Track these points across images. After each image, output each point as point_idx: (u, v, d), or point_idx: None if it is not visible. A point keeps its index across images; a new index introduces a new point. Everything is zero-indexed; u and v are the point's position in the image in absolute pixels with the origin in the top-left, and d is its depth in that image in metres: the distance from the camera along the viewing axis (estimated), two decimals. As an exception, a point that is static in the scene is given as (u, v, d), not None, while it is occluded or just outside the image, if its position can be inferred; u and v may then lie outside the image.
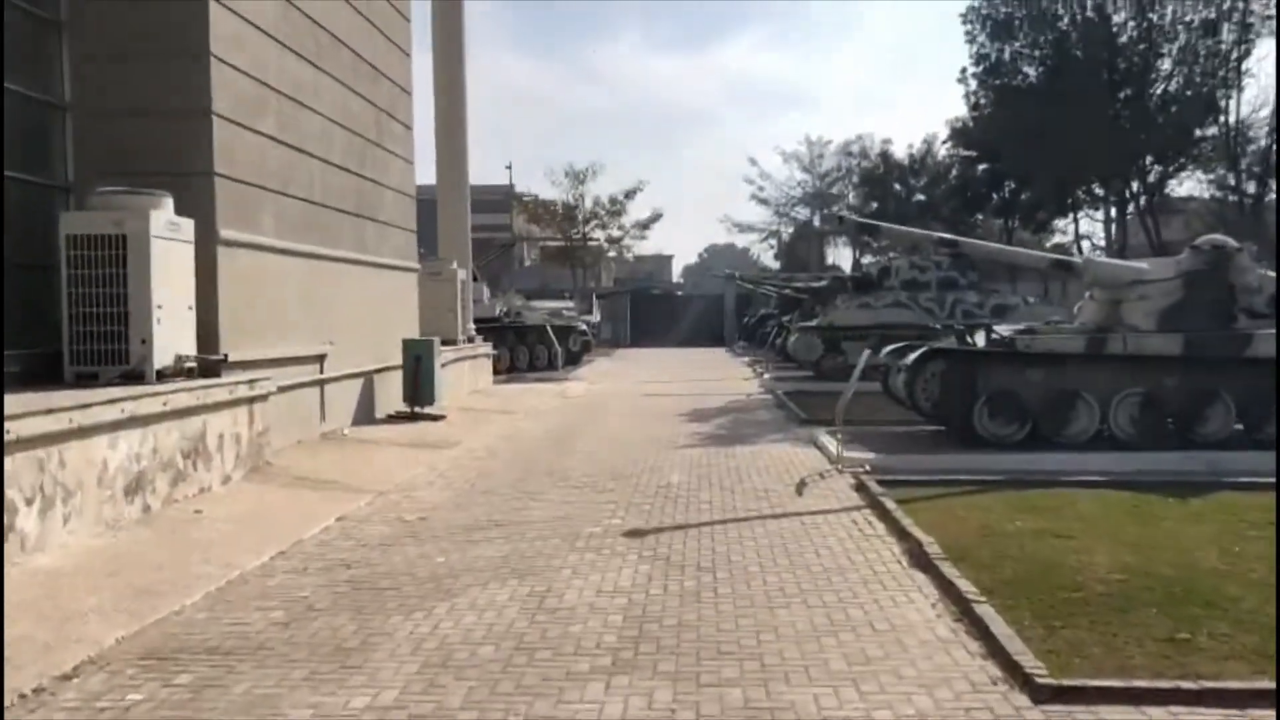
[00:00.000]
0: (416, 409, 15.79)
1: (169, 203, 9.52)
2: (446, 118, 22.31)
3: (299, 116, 12.82)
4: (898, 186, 53.60)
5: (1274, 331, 11.39)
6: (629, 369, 31.81)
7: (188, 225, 9.74)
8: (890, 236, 13.57)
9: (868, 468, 11.09)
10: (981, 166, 37.80)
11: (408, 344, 15.74)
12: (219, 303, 10.64)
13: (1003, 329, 12.41)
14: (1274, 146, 28.52)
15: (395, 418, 15.62)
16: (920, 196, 51.00)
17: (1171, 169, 29.48)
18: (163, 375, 9.22)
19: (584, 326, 34.28)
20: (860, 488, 9.96)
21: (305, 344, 12.90)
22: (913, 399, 12.05)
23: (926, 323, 22.51)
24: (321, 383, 13.37)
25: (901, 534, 7.92)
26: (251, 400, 10.46)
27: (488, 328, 26.96)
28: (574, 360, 32.27)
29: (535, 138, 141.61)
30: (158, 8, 10.48)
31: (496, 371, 26.62)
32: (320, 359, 13.36)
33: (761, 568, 7.12)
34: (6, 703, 4.63)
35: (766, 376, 24.04)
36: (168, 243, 9.33)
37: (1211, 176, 30.68)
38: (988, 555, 7.17)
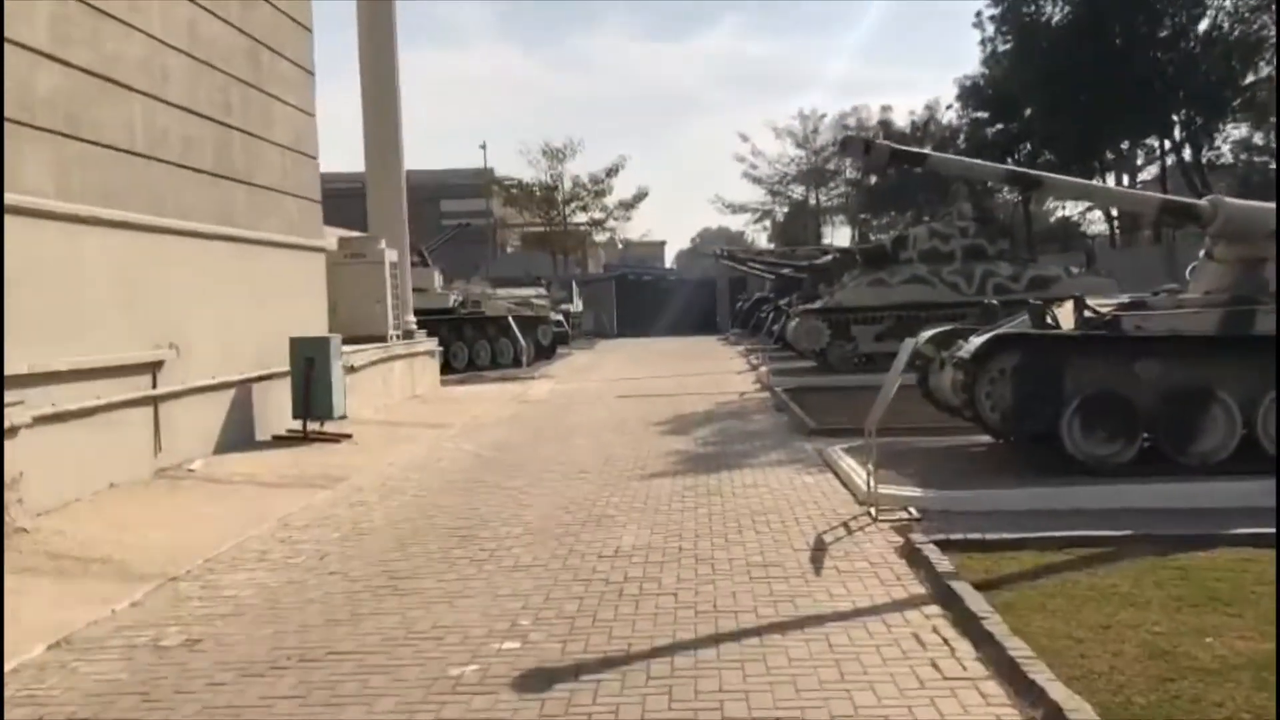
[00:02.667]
0: (312, 428, 12.22)
1: None
2: (374, 68, 18.66)
3: (103, 32, 9.20)
4: (899, 157, 49.87)
5: None
6: (608, 363, 28.21)
7: None
8: (940, 168, 9.90)
9: (913, 512, 7.55)
10: (995, 127, 34.17)
11: (297, 344, 12.15)
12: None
13: (1100, 303, 8.80)
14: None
15: (283, 439, 12.05)
16: (925, 166, 47.38)
17: (1216, 122, 25.84)
18: None
19: (557, 317, 30.65)
20: (911, 553, 6.40)
21: (124, 348, 9.31)
22: (971, 405, 8.49)
23: (951, 300, 18.94)
24: (155, 400, 9.78)
25: (1012, 674, 4.36)
26: (-27, 440, 6.88)
27: (439, 320, 23.38)
28: (548, 354, 28.67)
29: (522, 128, 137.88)
30: None
31: (452, 371, 23.07)
32: (154, 368, 9.77)
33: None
34: None
35: (763, 369, 20.47)
36: None
37: (1247, 132, 26.90)
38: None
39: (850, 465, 9.26)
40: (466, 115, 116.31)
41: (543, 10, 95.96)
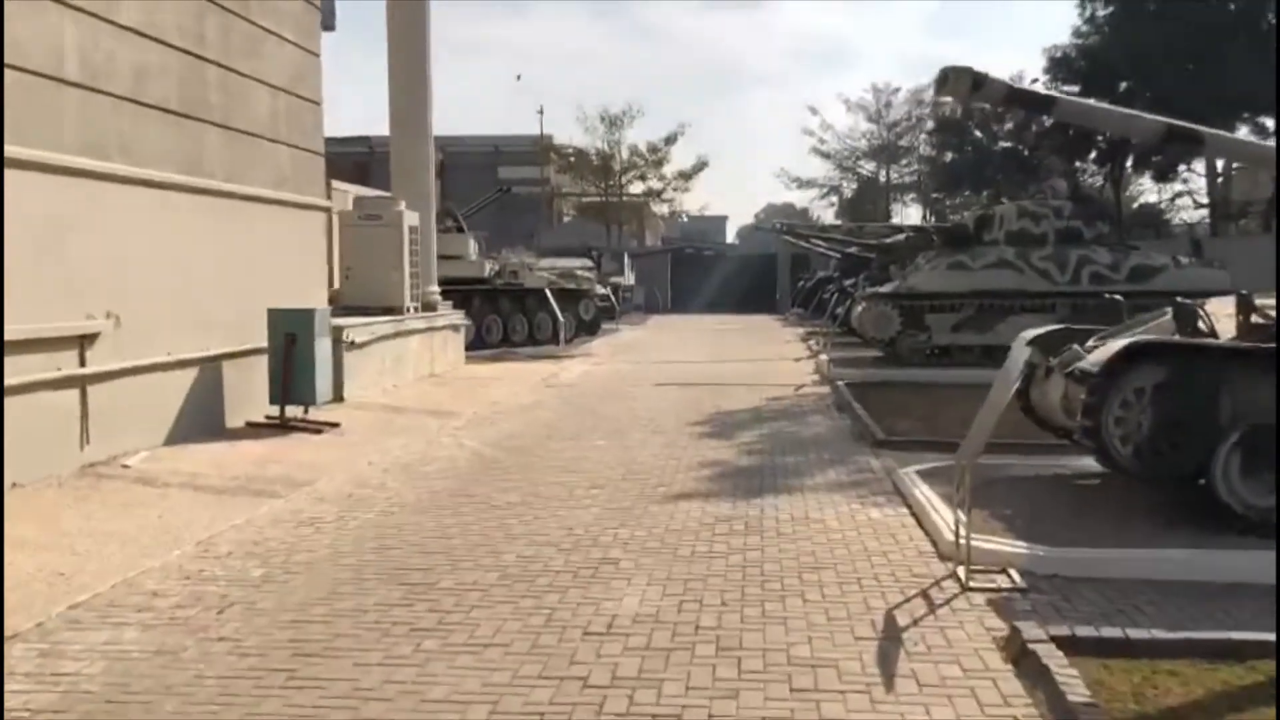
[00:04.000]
0: (296, 414, 10.55)
1: None
2: (397, 10, 16.84)
3: (21, -72, 7.48)
4: (979, 134, 47.00)
5: None
6: (655, 342, 26.33)
7: None
8: (1071, 116, 7.78)
9: (1015, 578, 5.61)
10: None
11: (276, 317, 10.44)
12: None
13: (1266, 304, 6.69)
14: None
15: (259, 427, 10.39)
16: (1006, 143, 44.48)
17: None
18: None
19: (603, 290, 28.80)
20: (1021, 654, 4.47)
21: (44, 317, 7.66)
22: (1094, 432, 6.45)
23: (1042, 289, 16.75)
24: (83, 380, 8.12)
25: None
26: None
27: (473, 290, 21.68)
28: (591, 330, 26.88)
29: (582, 97, 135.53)
30: None
31: (485, 346, 21.40)
32: (83, 342, 8.12)
33: None
34: None
35: (823, 357, 18.45)
36: None
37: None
38: None
39: (928, 496, 7.31)
40: (527, 82, 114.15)
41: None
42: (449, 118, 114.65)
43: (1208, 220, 41.74)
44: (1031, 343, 8.02)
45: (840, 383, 15.20)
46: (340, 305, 14.74)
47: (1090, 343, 7.25)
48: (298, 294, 11.40)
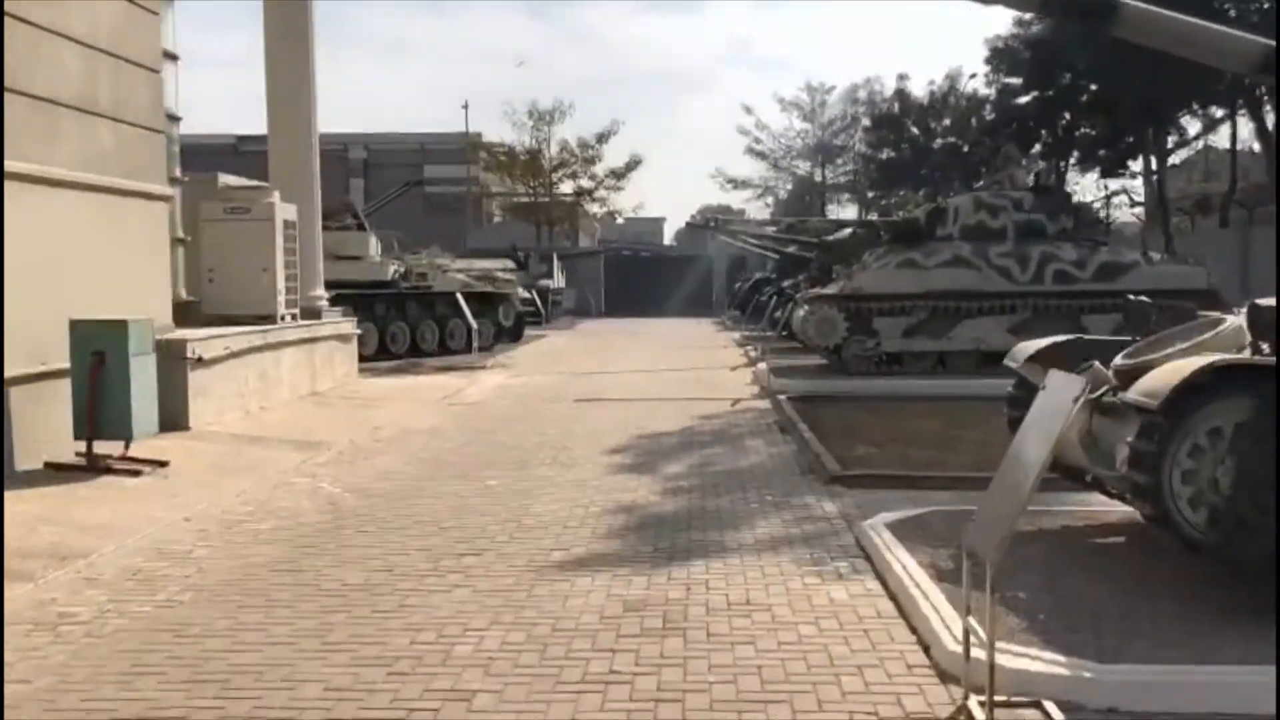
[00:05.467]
0: (113, 452, 8.39)
1: None
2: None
3: None
4: (915, 130, 45.86)
5: None
6: (582, 349, 24.35)
7: None
8: (1139, 31, 5.85)
9: (1053, 714, 3.76)
10: (1030, 95, 30.10)
11: (80, 330, 8.26)
12: None
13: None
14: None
15: (61, 469, 8.22)
16: (946, 139, 43.43)
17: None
18: None
19: (526, 294, 26.76)
20: None
21: None
22: (1155, 495, 4.54)
23: (1001, 289, 15.13)
24: None
25: None
26: None
27: (375, 295, 19.53)
28: (514, 337, 24.82)
29: (517, 96, 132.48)
30: None
31: (390, 356, 19.29)
32: None
33: None
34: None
35: (763, 366, 16.68)
36: None
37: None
38: None
39: (908, 569, 5.43)
40: (459, 82, 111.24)
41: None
42: (380, 117, 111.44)
43: (1142, 218, 40.94)
44: (1033, 359, 6.25)
45: (782, 396, 13.42)
46: (203, 314, 12.61)
47: (1119, 360, 5.45)
48: (127, 301, 9.22)
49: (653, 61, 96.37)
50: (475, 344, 19.99)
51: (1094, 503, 6.60)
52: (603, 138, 46.86)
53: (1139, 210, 42.52)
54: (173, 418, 9.65)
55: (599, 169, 47.81)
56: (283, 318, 13.24)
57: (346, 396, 13.90)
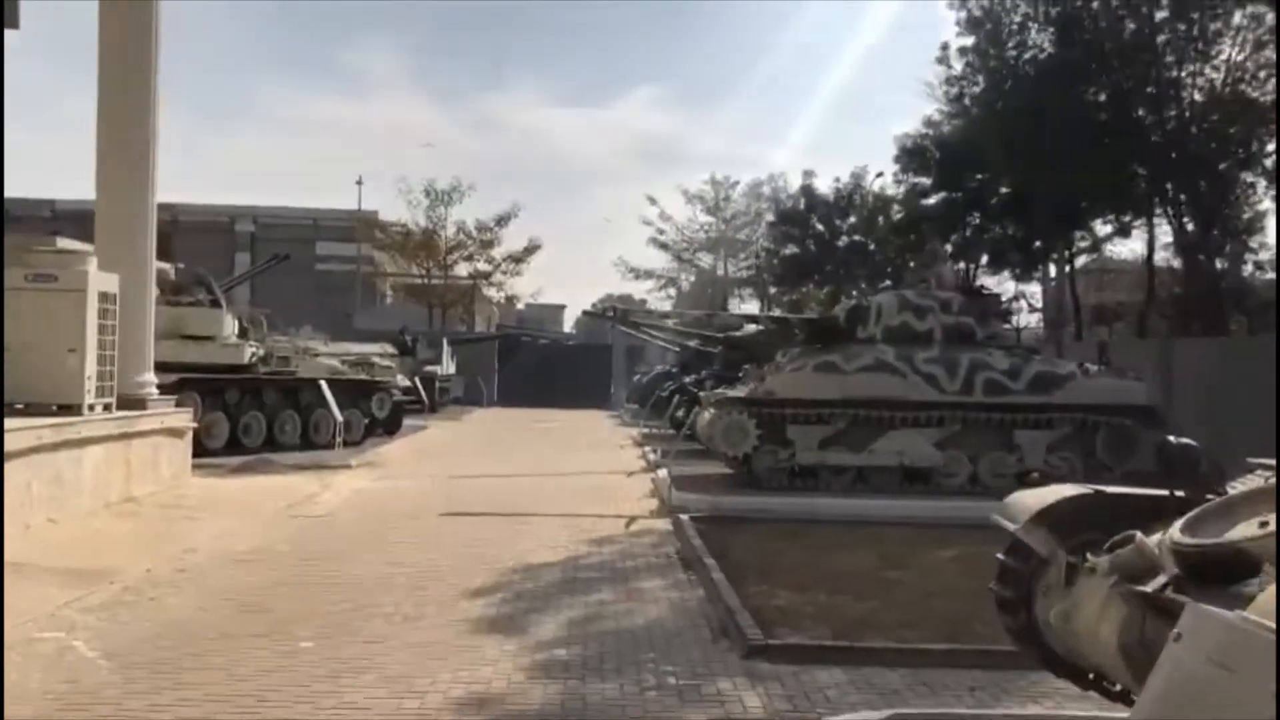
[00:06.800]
0: None
1: None
2: (117, 39, 12.69)
3: None
4: (821, 227, 45.43)
5: None
6: (466, 445, 22.21)
7: None
8: None
9: None
10: (939, 195, 29.61)
11: None
12: None
13: None
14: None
15: None
16: (852, 237, 43.01)
17: (1230, 189, 21.32)
18: None
19: (406, 381, 24.59)
20: None
21: None
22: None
23: (928, 399, 13.69)
24: None
25: None
26: None
27: (229, 380, 17.23)
28: (391, 429, 22.57)
29: (418, 181, 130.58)
30: None
31: (243, 450, 16.97)
32: None
33: None
34: None
35: (663, 474, 14.87)
36: None
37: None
38: None
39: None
40: (364, 165, 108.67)
41: (455, 67, 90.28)
42: (277, 193, 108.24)
43: (1041, 324, 40.83)
44: (1038, 519, 4.56)
45: (685, 516, 11.58)
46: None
47: (1180, 536, 3.77)
48: None
49: (558, 151, 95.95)
50: (339, 438, 17.72)
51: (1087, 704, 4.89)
52: (502, 220, 45.27)
53: (1035, 317, 42.62)
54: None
55: (497, 252, 46.09)
56: (91, 408, 10.97)
57: (167, 505, 11.57)
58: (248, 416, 17.55)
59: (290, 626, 6.71)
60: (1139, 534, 3.95)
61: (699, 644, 6.62)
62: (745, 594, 7.73)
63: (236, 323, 18.12)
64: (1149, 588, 3.61)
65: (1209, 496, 4.21)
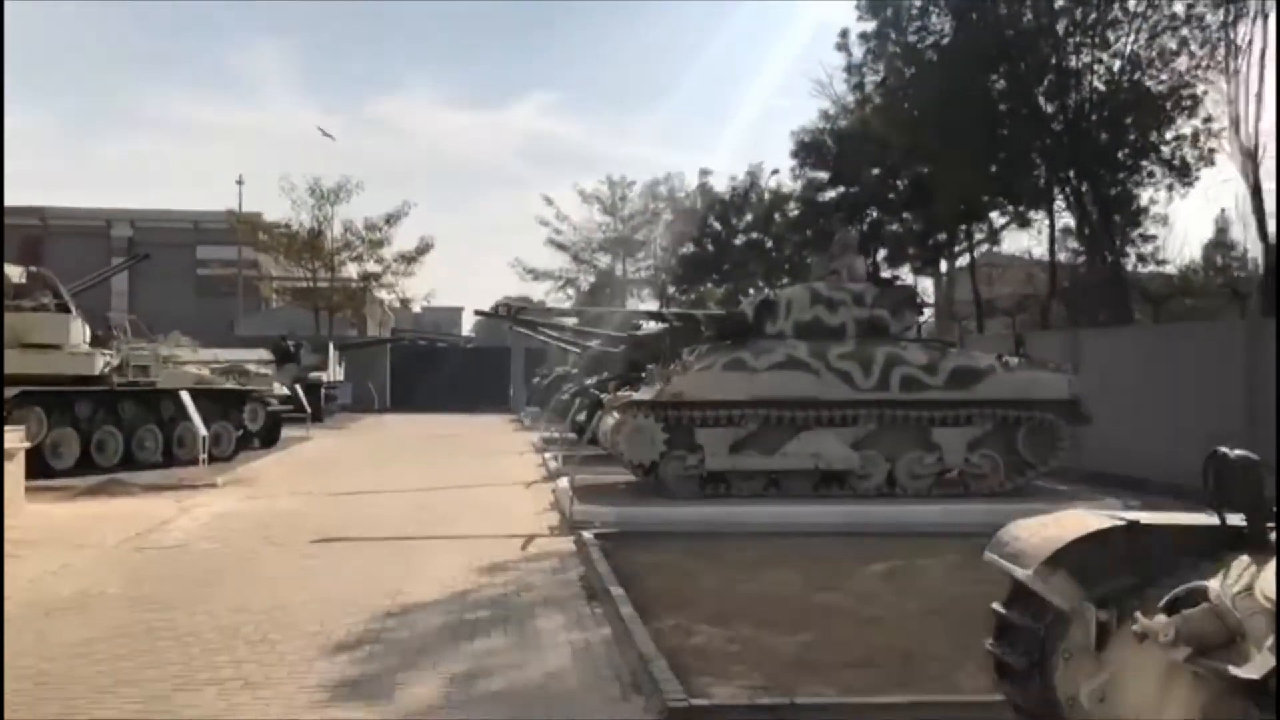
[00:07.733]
0: None
1: None
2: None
3: None
4: (718, 225, 44.78)
5: None
6: (350, 457, 20.66)
7: None
8: None
9: None
10: (833, 191, 29.07)
11: None
12: None
13: None
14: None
15: None
16: (749, 235, 42.45)
17: (1134, 177, 21.05)
18: None
19: (284, 390, 22.87)
20: None
21: None
22: None
23: (843, 397, 12.83)
24: None
25: None
26: None
27: (80, 393, 15.46)
28: (268, 441, 20.88)
29: (302, 179, 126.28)
30: None
31: (97, 469, 15.25)
32: None
33: None
34: None
35: (564, 484, 13.72)
36: None
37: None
38: None
39: None
40: (258, 169, 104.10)
41: (345, 70, 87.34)
42: (162, 197, 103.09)
43: (932, 320, 40.80)
44: (1053, 563, 3.53)
45: (589, 533, 10.45)
46: None
47: (1262, 594, 2.80)
48: None
49: (452, 151, 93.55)
50: (204, 454, 16.04)
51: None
52: (392, 219, 43.29)
53: (928, 311, 42.57)
54: None
55: (387, 252, 44.10)
56: (-118, 430, 9.29)
57: (-20, 541, 9.93)
58: (102, 432, 15.79)
59: (92, 705, 5.34)
60: (1212, 587, 2.97)
61: (606, 704, 5.48)
62: (659, 630, 6.66)
63: (87, 329, 16.28)
64: (1253, 673, 2.60)
65: (1269, 525, 3.28)
